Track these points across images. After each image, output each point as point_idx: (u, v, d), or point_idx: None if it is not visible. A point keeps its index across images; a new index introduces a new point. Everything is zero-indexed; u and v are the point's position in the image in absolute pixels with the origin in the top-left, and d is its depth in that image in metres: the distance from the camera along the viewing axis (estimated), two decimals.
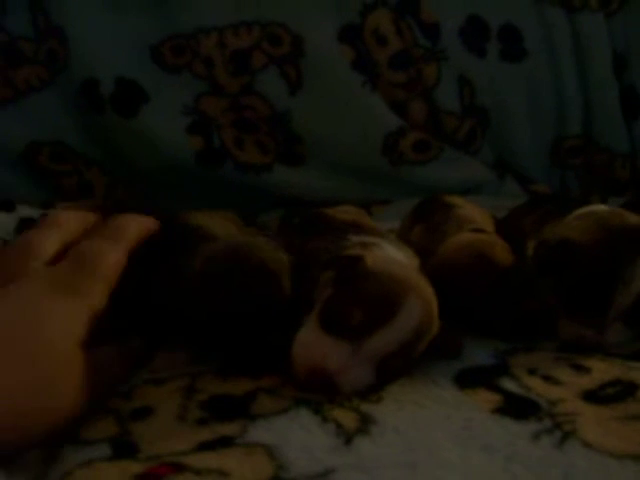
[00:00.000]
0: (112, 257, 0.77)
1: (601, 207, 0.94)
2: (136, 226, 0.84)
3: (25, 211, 1.39)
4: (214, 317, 0.74)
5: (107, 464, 0.60)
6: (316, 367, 0.68)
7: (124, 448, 0.62)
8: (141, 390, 0.74)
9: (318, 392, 0.69)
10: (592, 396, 0.70)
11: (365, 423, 0.64)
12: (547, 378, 0.74)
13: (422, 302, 0.73)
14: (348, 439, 0.62)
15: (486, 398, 0.70)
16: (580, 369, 0.76)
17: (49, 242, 0.77)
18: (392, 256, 0.82)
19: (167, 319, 0.80)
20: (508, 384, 0.73)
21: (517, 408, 0.68)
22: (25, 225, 1.36)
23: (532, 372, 0.76)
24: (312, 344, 0.70)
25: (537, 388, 0.72)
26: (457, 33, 1.69)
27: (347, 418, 0.65)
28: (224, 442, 0.62)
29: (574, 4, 1.73)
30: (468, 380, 0.73)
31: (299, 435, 0.63)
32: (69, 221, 0.81)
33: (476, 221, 1.03)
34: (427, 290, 0.75)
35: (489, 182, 1.73)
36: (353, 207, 1.21)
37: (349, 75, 1.64)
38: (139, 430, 0.65)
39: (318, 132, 1.65)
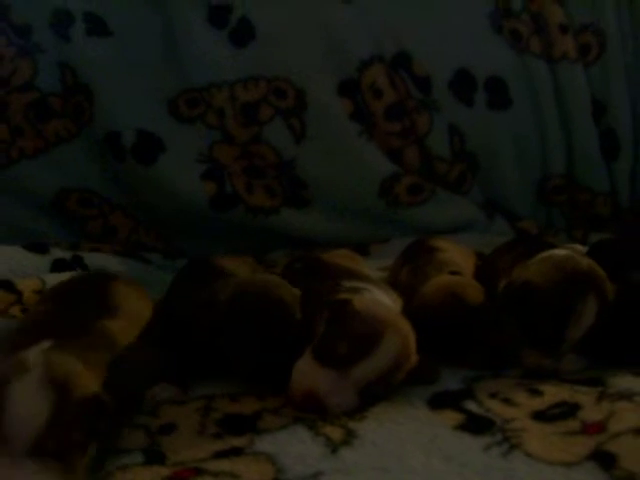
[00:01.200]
0: None
1: (560, 252, 1.06)
2: None
3: (57, 253, 1.54)
4: (240, 341, 0.90)
5: (141, 468, 0.75)
6: (308, 391, 0.84)
7: (154, 456, 0.77)
8: (165, 409, 0.89)
9: (310, 412, 0.83)
10: (540, 415, 0.84)
11: (349, 437, 0.79)
12: (506, 400, 0.89)
13: (399, 338, 0.88)
14: (334, 449, 0.77)
15: (451, 417, 0.84)
16: (534, 392, 0.90)
17: None
18: (378, 299, 0.96)
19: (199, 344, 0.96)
20: (471, 405, 0.87)
21: (476, 425, 0.82)
22: (58, 266, 1.51)
23: (493, 395, 0.90)
24: (306, 372, 0.85)
25: (495, 409, 0.86)
26: (447, 85, 1.84)
27: (335, 433, 0.80)
28: (235, 451, 0.77)
29: (554, 55, 1.88)
30: (438, 402, 0.88)
31: (296, 446, 0.78)
32: None
33: (455, 263, 1.18)
34: (405, 328, 0.90)
35: (479, 221, 1.87)
36: (349, 251, 1.36)
37: (348, 125, 1.79)
38: (166, 442, 0.81)
39: (321, 178, 1.79)
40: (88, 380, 0.77)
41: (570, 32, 1.89)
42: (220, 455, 0.77)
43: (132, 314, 0.98)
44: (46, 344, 0.79)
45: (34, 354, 0.75)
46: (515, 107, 1.88)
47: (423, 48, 1.83)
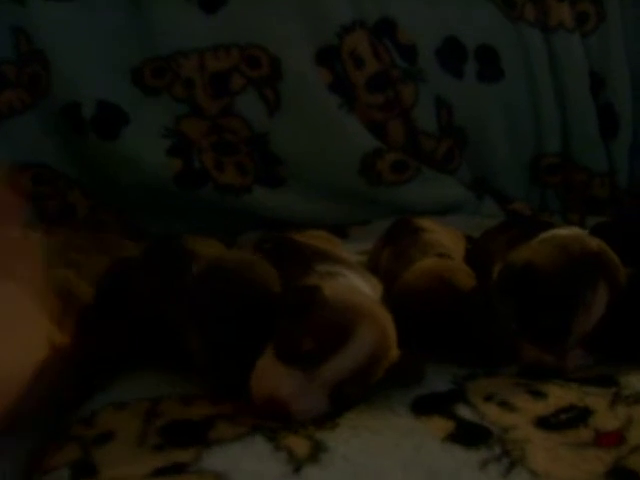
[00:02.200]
0: None
1: (564, 231, 0.95)
2: None
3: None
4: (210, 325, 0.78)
5: None
6: (270, 395, 0.70)
7: (84, 471, 0.64)
8: (102, 415, 0.75)
9: (273, 419, 0.70)
10: (545, 422, 0.72)
11: (316, 450, 0.66)
12: (503, 404, 0.76)
13: (376, 329, 0.74)
14: (298, 467, 0.63)
15: (439, 425, 0.71)
16: (537, 395, 0.78)
17: None
18: (353, 285, 0.83)
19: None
20: (463, 411, 0.74)
21: (469, 435, 0.69)
22: None
23: (489, 398, 0.77)
24: (266, 373, 0.71)
25: (491, 415, 0.73)
26: (434, 54, 1.72)
27: (300, 445, 0.67)
28: (178, 469, 0.64)
29: (550, 24, 1.76)
30: (424, 407, 0.75)
31: (251, 462, 0.65)
32: None
33: (442, 246, 1.05)
34: (383, 317, 0.77)
35: (467, 202, 1.75)
36: (325, 232, 1.24)
37: (326, 97, 1.66)
38: (99, 454, 0.68)
39: (296, 154, 1.67)
40: None
41: None
42: (160, 472, 0.63)
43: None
44: None
45: None
46: (507, 79, 1.75)
47: (409, 13, 1.70)
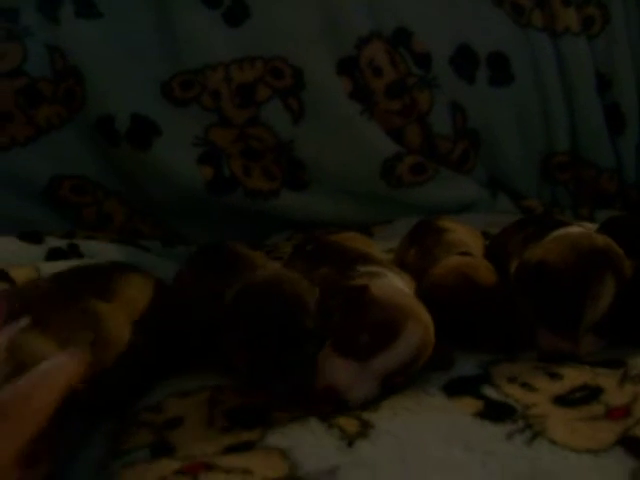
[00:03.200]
0: None
1: (574, 229, 1.03)
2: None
3: (53, 242, 1.50)
4: (251, 337, 0.83)
5: (149, 464, 0.72)
6: (329, 384, 0.80)
7: (162, 450, 0.74)
8: (169, 403, 0.85)
9: (331, 406, 0.79)
10: (562, 400, 0.81)
11: (364, 428, 0.76)
12: (524, 385, 0.85)
13: (421, 327, 0.84)
14: (350, 442, 0.73)
15: (469, 404, 0.81)
16: (554, 376, 0.87)
17: None
18: (394, 284, 0.92)
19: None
20: (489, 391, 0.83)
21: (496, 412, 0.78)
22: (54, 255, 1.47)
23: (511, 380, 0.86)
24: (325, 364, 0.81)
25: (515, 394, 0.83)
26: (448, 61, 1.81)
27: (349, 425, 0.76)
28: (246, 446, 0.73)
29: (557, 29, 1.85)
30: (455, 389, 0.84)
31: (309, 440, 0.74)
32: None
33: (464, 244, 1.14)
34: (425, 316, 0.86)
35: (483, 200, 1.84)
36: (358, 234, 1.32)
37: (347, 105, 1.75)
38: (173, 436, 0.77)
39: (320, 159, 1.76)
40: None
41: (573, 5, 1.85)
42: (231, 450, 0.73)
43: (128, 300, 0.92)
44: (24, 322, 0.75)
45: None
46: (517, 83, 1.84)
47: (423, 23, 1.80)
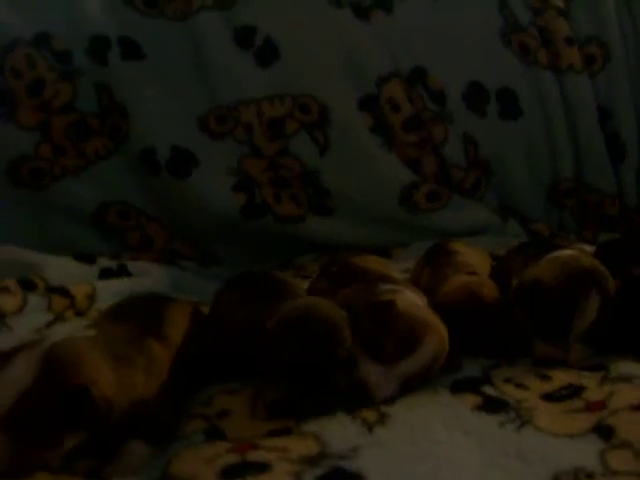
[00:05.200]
0: None
1: (565, 252, 1.17)
2: None
3: (104, 263, 1.67)
4: (290, 363, 0.93)
5: (204, 444, 0.88)
6: (359, 383, 0.95)
7: (215, 435, 0.91)
8: (218, 398, 1.01)
9: (361, 402, 0.95)
10: (549, 396, 0.96)
11: (382, 417, 0.92)
12: (519, 385, 1.00)
13: (438, 338, 1.00)
14: (370, 427, 0.89)
15: (471, 400, 0.96)
16: (544, 378, 1.02)
17: None
18: (412, 300, 1.07)
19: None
20: (488, 390, 0.99)
21: (492, 405, 0.94)
22: (105, 274, 1.64)
23: (508, 381, 1.02)
24: (358, 367, 0.95)
25: (509, 392, 0.98)
26: (461, 97, 1.95)
27: (370, 415, 0.93)
28: (285, 431, 0.90)
29: (561, 66, 1.99)
30: (459, 387, 1.00)
31: (337, 427, 0.90)
32: None
33: (471, 265, 1.29)
34: (442, 328, 1.02)
35: (494, 224, 1.97)
36: (376, 257, 1.47)
37: (369, 138, 1.90)
38: (223, 424, 0.94)
39: (344, 187, 1.90)
40: (99, 375, 0.82)
41: (575, 44, 2.00)
42: (272, 434, 0.89)
43: (174, 340, 1.02)
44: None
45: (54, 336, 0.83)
46: (525, 116, 1.98)
47: (437, 63, 1.94)
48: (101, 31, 1.85)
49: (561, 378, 1.01)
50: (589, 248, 1.46)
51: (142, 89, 1.87)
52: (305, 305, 1.00)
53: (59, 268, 1.56)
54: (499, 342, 1.12)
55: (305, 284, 1.33)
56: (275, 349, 0.94)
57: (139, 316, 1.02)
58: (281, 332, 0.95)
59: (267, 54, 1.89)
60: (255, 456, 0.84)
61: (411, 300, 1.07)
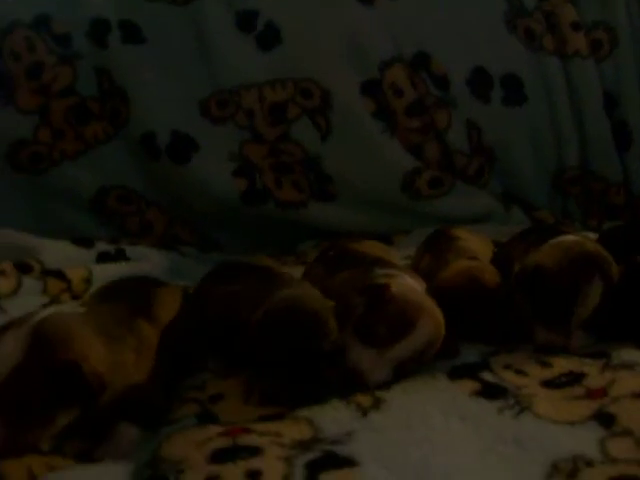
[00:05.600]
0: None
1: (569, 237, 1.15)
2: None
3: (102, 247, 1.66)
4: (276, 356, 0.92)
5: (196, 428, 0.87)
6: (353, 368, 0.94)
7: (208, 418, 0.89)
8: (212, 383, 1.00)
9: (354, 386, 0.93)
10: (549, 383, 0.94)
11: (377, 402, 0.90)
12: (518, 371, 0.98)
13: (433, 322, 0.98)
14: (365, 412, 0.87)
15: (468, 385, 0.95)
16: (545, 364, 1.00)
17: None
18: (409, 284, 1.05)
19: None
20: (487, 376, 0.97)
21: (490, 392, 0.92)
22: (103, 258, 1.62)
23: (507, 367, 1.00)
24: (350, 352, 0.94)
25: (509, 378, 0.96)
26: (464, 83, 1.93)
27: (365, 400, 0.91)
28: (278, 416, 0.88)
29: (567, 52, 1.97)
30: (457, 373, 0.98)
31: (330, 412, 0.88)
32: None
33: (473, 251, 1.27)
34: (437, 312, 1.00)
35: (497, 212, 1.96)
36: (378, 242, 1.45)
37: (371, 123, 1.88)
38: (216, 408, 0.92)
39: (346, 173, 1.88)
40: (90, 351, 0.81)
41: (582, 29, 1.97)
42: (265, 418, 0.88)
43: (162, 321, 1.02)
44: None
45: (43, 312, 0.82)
46: (530, 103, 1.96)
47: (441, 48, 1.92)
48: (101, 14, 1.83)
49: (562, 365, 1.00)
50: (592, 236, 1.43)
51: (142, 73, 1.85)
52: (291, 297, 0.98)
53: (56, 252, 1.55)
54: (500, 328, 1.10)
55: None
56: (260, 341, 0.93)
57: (129, 297, 1.02)
58: (266, 324, 0.94)
59: (269, 38, 1.88)
60: (246, 440, 0.82)
61: (409, 285, 1.05)
